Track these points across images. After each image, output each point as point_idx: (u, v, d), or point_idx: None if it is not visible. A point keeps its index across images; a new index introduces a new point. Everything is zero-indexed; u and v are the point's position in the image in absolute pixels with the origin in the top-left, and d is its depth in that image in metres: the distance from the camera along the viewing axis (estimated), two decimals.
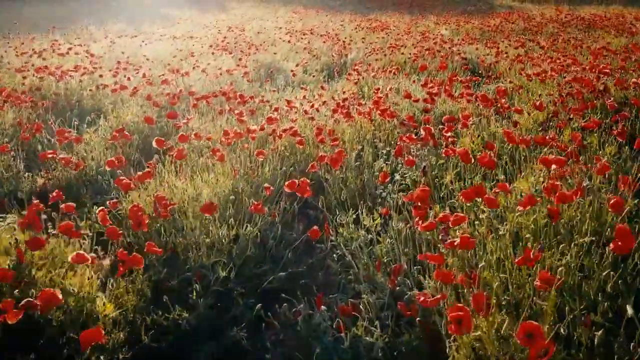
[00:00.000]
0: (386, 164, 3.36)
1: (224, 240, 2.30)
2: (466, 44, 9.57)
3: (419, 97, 4.34)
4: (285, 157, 3.61)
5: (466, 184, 2.56)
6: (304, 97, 4.66)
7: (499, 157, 3.04)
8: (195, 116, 4.21)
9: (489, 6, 20.68)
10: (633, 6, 18.10)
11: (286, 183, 2.51)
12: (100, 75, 5.67)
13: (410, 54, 7.99)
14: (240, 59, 7.52)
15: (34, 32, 11.57)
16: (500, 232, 1.93)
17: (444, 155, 2.71)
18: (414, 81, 5.69)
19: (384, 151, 3.54)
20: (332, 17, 17.05)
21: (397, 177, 3.18)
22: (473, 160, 2.55)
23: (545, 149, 2.73)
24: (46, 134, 3.93)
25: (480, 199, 2.06)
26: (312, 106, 4.20)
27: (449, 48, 8.75)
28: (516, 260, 1.62)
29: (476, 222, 2.28)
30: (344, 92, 5.77)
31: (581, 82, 4.45)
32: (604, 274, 1.70)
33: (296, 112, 4.26)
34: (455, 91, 5.15)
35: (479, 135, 3.34)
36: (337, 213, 2.76)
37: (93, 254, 1.90)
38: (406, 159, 2.98)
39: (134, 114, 4.27)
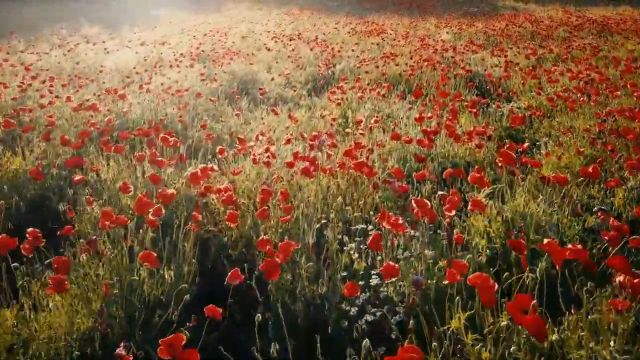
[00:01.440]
0: (359, 251, 2.25)
1: None
2: (470, 51, 8.44)
3: (411, 137, 3.21)
4: (223, 230, 2.52)
5: (485, 337, 1.45)
6: (258, 136, 3.52)
7: (531, 259, 1.92)
8: (106, 165, 3.10)
9: (492, 7, 19.56)
10: None
11: (164, 341, 1.40)
12: (13, 98, 4.53)
13: (406, 64, 6.88)
14: (202, 73, 6.39)
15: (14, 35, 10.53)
16: None
17: (447, 282, 1.60)
18: (409, 107, 4.54)
19: (359, 227, 2.43)
20: (326, 18, 15.93)
21: (376, 280, 2.08)
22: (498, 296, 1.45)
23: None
24: None
25: None
26: (268, 150, 3.09)
27: (451, 57, 7.63)
28: None
29: None
30: (322, 116, 4.66)
31: (629, 115, 3.33)
32: None
33: (250, 153, 3.16)
34: (462, 122, 4.04)
35: (498, 212, 2.22)
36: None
37: None
38: (386, 263, 1.87)
39: (23, 160, 3.13)
